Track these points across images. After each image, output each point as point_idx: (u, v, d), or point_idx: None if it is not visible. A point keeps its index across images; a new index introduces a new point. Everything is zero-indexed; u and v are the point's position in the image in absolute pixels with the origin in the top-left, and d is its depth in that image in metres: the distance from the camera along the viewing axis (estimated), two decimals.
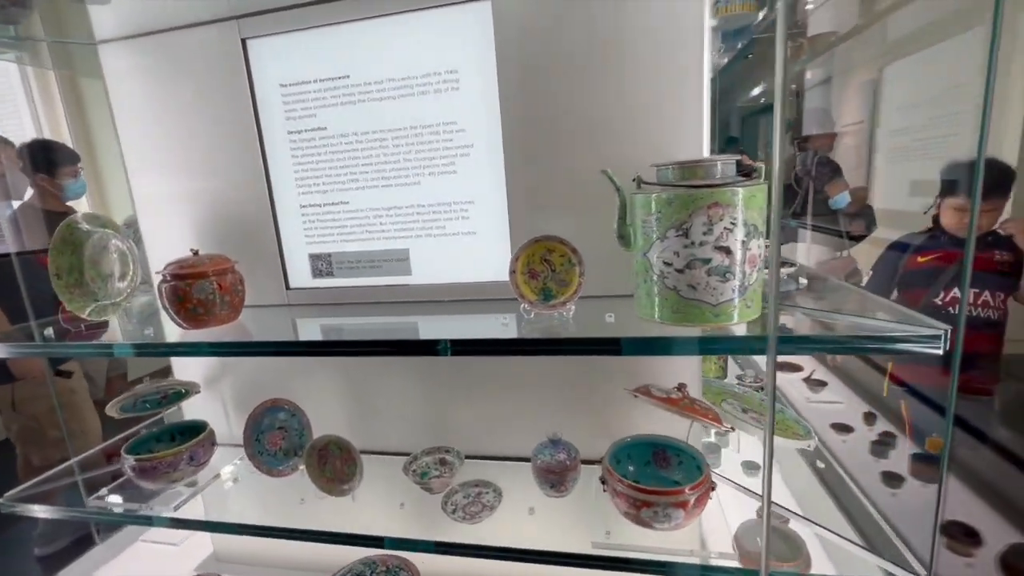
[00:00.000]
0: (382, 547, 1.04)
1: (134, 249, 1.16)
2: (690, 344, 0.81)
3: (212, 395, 1.44)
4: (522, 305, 0.98)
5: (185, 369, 1.45)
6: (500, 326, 1.05)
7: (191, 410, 1.45)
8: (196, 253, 1.11)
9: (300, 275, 1.29)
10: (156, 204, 1.32)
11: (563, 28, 1.02)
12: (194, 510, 1.21)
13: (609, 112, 1.04)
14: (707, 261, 0.79)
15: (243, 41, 1.17)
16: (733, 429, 1.08)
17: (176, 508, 1.17)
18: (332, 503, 1.14)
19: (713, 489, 0.94)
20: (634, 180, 0.89)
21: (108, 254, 1.20)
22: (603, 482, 0.98)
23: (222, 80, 1.20)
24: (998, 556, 1.22)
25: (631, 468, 1.06)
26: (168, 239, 1.32)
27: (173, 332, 1.09)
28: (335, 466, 1.17)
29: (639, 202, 0.84)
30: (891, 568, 0.85)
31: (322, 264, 1.27)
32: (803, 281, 1.07)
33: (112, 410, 1.27)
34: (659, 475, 1.07)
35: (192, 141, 1.26)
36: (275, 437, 1.27)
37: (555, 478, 1.05)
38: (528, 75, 1.05)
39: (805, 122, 3.09)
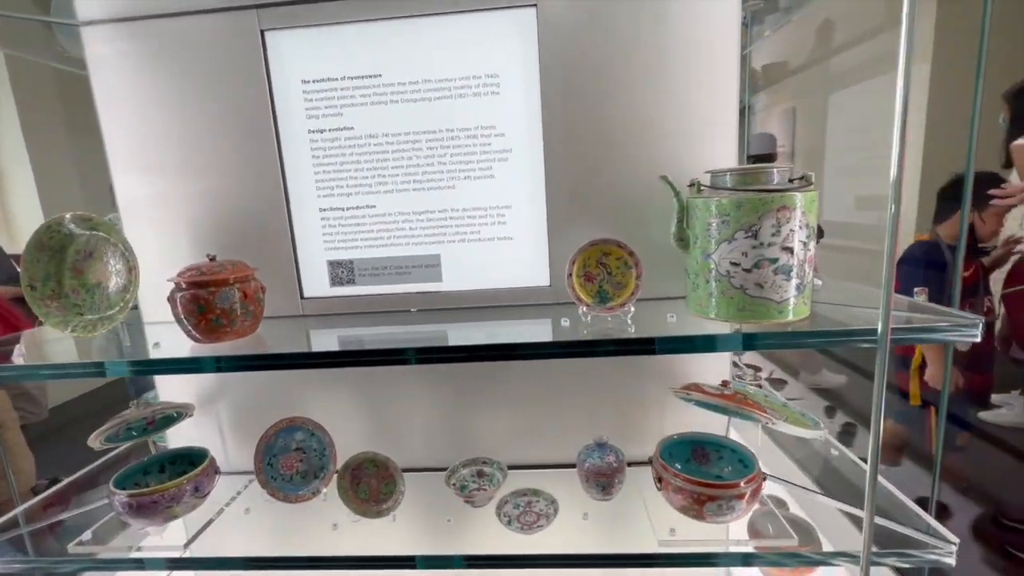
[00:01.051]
0: (414, 567, 0.98)
1: (134, 255, 1.03)
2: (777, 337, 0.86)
3: (203, 417, 1.30)
4: (580, 308, 0.98)
5: (171, 389, 1.30)
6: (533, 331, 1.05)
7: (175, 435, 1.30)
8: (213, 259, 1.01)
9: (316, 283, 1.20)
10: (145, 206, 1.18)
11: (605, 36, 1.05)
12: (200, 547, 1.08)
13: (647, 119, 1.08)
14: (774, 261, 0.84)
15: (262, 33, 1.09)
16: (774, 423, 1.13)
17: (187, 546, 1.03)
18: (369, 526, 1.06)
19: (764, 480, 0.98)
20: (691, 185, 0.93)
21: (97, 261, 1.05)
22: (659, 480, 1.00)
23: (235, 73, 1.11)
24: (971, 525, 1.38)
25: (677, 466, 1.09)
26: (159, 245, 1.19)
27: (177, 346, 0.98)
28: (370, 485, 1.09)
29: (704, 206, 0.88)
30: (923, 537, 0.93)
31: (342, 271, 1.19)
32: (818, 282, 1.16)
33: (95, 442, 1.11)
34: (701, 471, 1.11)
35: (193, 138, 1.15)
36: (291, 460, 1.17)
37: (605, 480, 1.06)
38: (570, 82, 1.07)
39: (752, 144, 3.38)
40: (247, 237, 1.18)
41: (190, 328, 0.96)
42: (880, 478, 1.11)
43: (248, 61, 1.10)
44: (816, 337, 0.87)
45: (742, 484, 0.93)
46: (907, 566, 0.88)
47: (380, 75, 1.11)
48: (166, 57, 1.12)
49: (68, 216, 1.01)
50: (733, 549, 0.92)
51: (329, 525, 1.10)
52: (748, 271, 0.85)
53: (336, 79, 1.11)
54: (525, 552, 0.95)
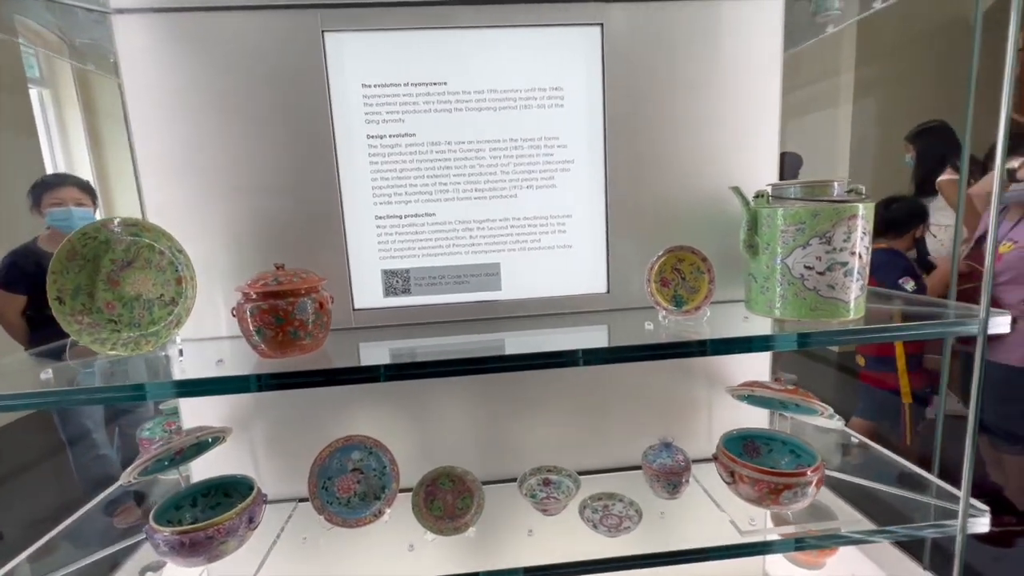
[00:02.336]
0: None
1: (187, 265, 0.94)
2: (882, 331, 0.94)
3: (234, 440, 1.19)
4: (660, 312, 1.03)
5: (192, 411, 1.18)
6: (593, 337, 1.08)
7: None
8: (281, 267, 0.94)
9: (369, 294, 1.15)
10: (178, 212, 1.08)
11: (664, 55, 1.12)
12: None
13: (698, 132, 1.16)
14: (844, 264, 0.93)
15: (322, 34, 1.05)
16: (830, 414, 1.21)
17: None
18: (448, 544, 1.02)
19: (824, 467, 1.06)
20: (759, 196, 1.01)
21: (137, 271, 0.95)
22: (731, 474, 1.05)
23: (291, 74, 1.06)
24: None
25: None
26: (193, 254, 1.09)
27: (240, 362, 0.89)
28: (445, 501, 1.05)
29: (778, 215, 0.96)
30: (945, 504, 1.05)
31: (397, 281, 1.16)
32: None
33: (128, 478, 0.98)
34: (755, 463, 1.17)
35: (235, 139, 1.07)
36: (347, 482, 1.10)
37: (675, 479, 1.09)
38: (631, 97, 1.13)
39: (784, 162, 3.74)
40: (296, 245, 1.11)
41: (261, 341, 0.89)
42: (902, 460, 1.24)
43: (306, 62, 1.05)
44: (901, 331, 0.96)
45: (809, 472, 1.01)
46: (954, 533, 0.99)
47: (446, 83, 1.10)
48: (210, 53, 1.04)
49: (110, 220, 0.91)
50: (821, 530, 0.98)
51: (394, 547, 1.05)
52: (821, 274, 0.94)
53: (399, 84, 1.09)
54: (595, 557, 0.96)
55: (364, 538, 1.06)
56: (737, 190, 1.01)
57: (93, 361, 0.96)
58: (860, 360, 2.23)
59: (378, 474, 1.11)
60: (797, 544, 0.98)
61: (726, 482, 1.07)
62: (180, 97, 1.05)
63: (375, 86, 1.09)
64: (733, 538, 0.99)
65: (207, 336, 1.11)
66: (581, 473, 1.25)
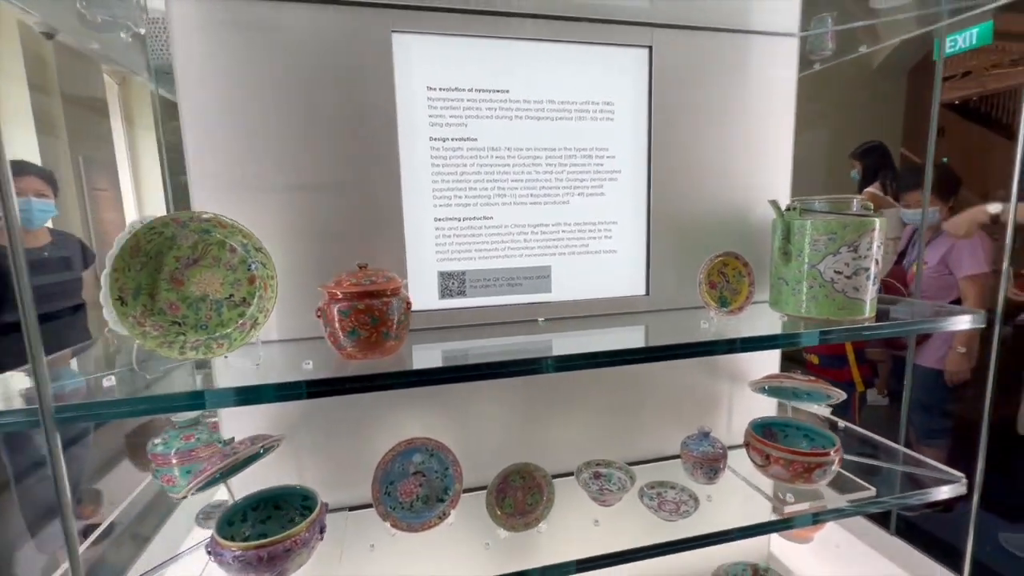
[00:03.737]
0: None
1: (264, 264, 0.90)
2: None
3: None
4: (710, 312, 1.12)
5: (235, 418, 1.11)
6: (637, 337, 1.16)
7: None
8: (364, 267, 0.93)
9: (425, 295, 1.15)
10: (227, 209, 1.02)
11: (702, 79, 1.23)
12: None
13: (730, 149, 1.28)
14: (867, 269, 1.09)
15: (390, 34, 1.05)
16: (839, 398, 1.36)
17: None
18: (519, 540, 1.04)
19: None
20: (793, 208, 1.15)
21: (204, 269, 0.89)
22: (766, 458, 1.17)
23: (357, 71, 1.04)
24: None
25: None
26: None
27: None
28: (515, 498, 1.07)
29: (812, 225, 1.10)
30: (943, 475, 1.24)
31: (453, 283, 1.17)
32: None
33: (189, 491, 0.91)
34: None
35: (296, 135, 1.03)
36: (409, 485, 1.09)
37: (714, 466, 1.19)
38: (674, 115, 1.23)
39: None
40: (357, 246, 1.08)
41: (352, 342, 0.87)
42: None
43: (374, 61, 1.04)
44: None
45: (832, 452, 1.15)
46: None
47: (508, 91, 1.13)
48: (274, 45, 1.00)
49: (180, 215, 0.85)
50: (848, 503, 1.12)
51: (464, 547, 1.05)
52: (849, 278, 1.08)
53: (463, 89, 1.11)
54: (649, 543, 1.03)
55: (433, 539, 1.05)
56: (774, 203, 1.13)
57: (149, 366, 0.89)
58: (813, 358, 2.51)
59: (440, 476, 1.10)
60: (838, 513, 1.12)
61: (760, 465, 1.19)
62: (238, 88, 0.99)
63: (440, 89, 1.10)
64: (762, 516, 1.10)
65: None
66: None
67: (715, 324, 1.11)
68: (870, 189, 2.81)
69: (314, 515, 0.94)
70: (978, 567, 1.42)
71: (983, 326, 1.14)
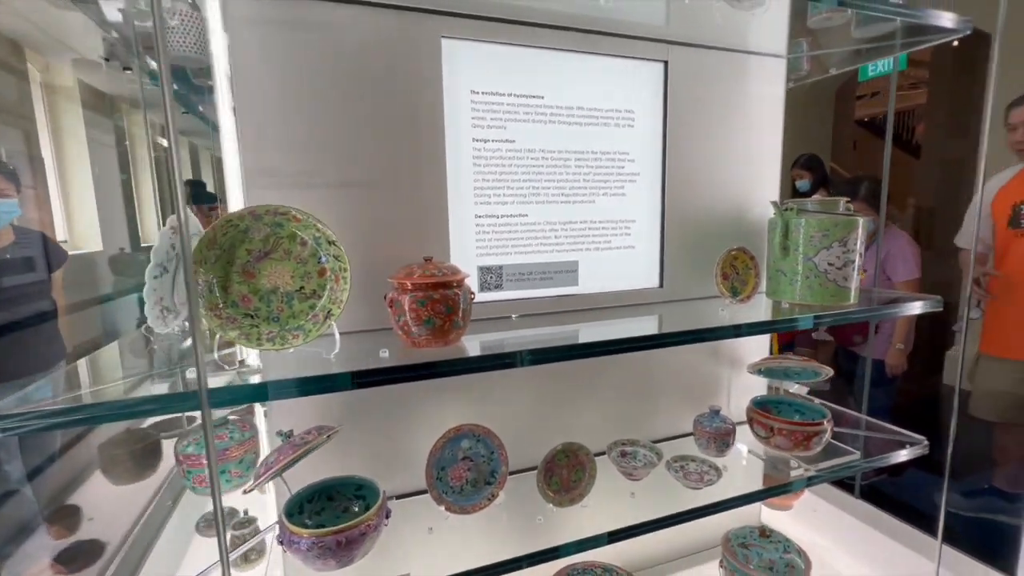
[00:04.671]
0: (557, 557, 1.09)
1: (336, 257, 0.92)
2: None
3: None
4: (725, 300, 1.26)
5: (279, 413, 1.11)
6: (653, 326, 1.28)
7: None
8: (430, 260, 0.98)
9: None
10: (278, 199, 1.03)
11: (710, 92, 1.37)
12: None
13: (727, 155, 1.43)
14: (853, 261, 1.26)
15: (440, 39, 1.10)
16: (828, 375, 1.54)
17: None
18: (565, 515, 1.12)
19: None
20: (790, 209, 1.30)
21: (275, 262, 0.90)
22: (770, 430, 1.32)
23: (407, 73, 1.08)
24: None
25: None
26: None
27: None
28: (561, 477, 1.14)
29: (809, 223, 1.25)
30: (906, 439, 1.44)
31: (492, 277, 1.23)
32: None
33: (255, 485, 0.91)
34: None
35: (347, 133, 1.06)
36: (459, 470, 1.13)
37: (726, 439, 1.33)
38: (685, 123, 1.36)
39: None
40: (403, 242, 1.12)
41: (427, 331, 0.92)
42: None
43: (424, 64, 1.09)
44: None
45: (825, 423, 1.31)
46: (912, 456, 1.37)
47: (543, 97, 1.21)
48: (324, 44, 1.02)
49: (255, 208, 0.86)
50: (841, 464, 1.29)
51: (516, 524, 1.12)
52: (839, 269, 1.25)
53: (503, 94, 1.18)
54: (678, 511, 1.15)
55: (485, 519, 1.11)
56: (776, 204, 1.29)
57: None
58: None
59: (486, 459, 1.16)
60: (835, 473, 1.28)
61: (763, 438, 1.33)
62: (292, 85, 1.01)
63: (482, 93, 1.16)
64: (751, 482, 1.24)
65: None
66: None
67: (729, 311, 1.25)
68: (816, 197, 3.13)
69: (381, 500, 0.97)
70: (924, 520, 1.65)
71: (940, 308, 1.34)
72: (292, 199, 1.02)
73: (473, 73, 1.15)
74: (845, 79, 4.91)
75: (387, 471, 1.19)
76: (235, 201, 1.24)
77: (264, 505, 1.51)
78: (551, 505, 1.11)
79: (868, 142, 5.42)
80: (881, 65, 3.50)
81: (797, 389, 1.58)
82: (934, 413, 3.05)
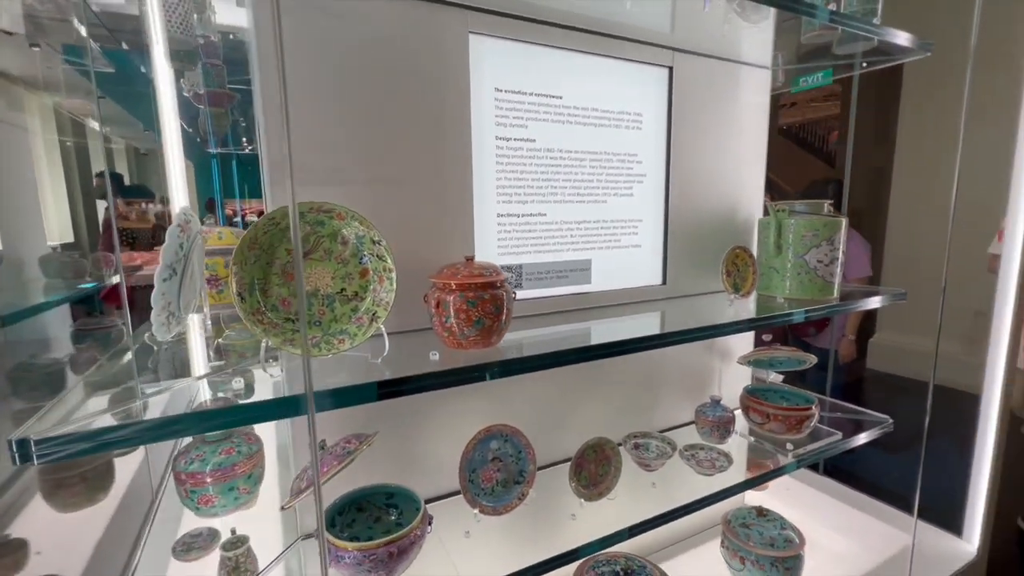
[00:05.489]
0: (577, 558, 1.13)
1: (381, 256, 0.88)
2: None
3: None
4: (730, 296, 1.33)
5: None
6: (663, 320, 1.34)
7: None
8: (471, 259, 0.96)
9: None
10: (304, 196, 0.97)
11: (708, 98, 1.44)
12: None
13: (722, 159, 1.51)
14: (838, 259, 1.38)
15: (468, 34, 1.08)
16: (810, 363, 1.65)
17: None
18: (594, 508, 1.14)
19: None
20: (782, 211, 1.40)
21: (315, 262, 0.85)
22: (766, 416, 1.41)
23: (435, 68, 1.05)
24: None
25: None
26: None
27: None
28: (590, 471, 1.16)
29: (803, 224, 1.36)
30: (871, 418, 1.60)
31: (512, 276, 1.22)
32: None
33: (294, 502, 0.85)
34: None
35: (373, 128, 1.02)
36: (489, 472, 1.12)
37: (728, 427, 1.41)
38: (689, 126, 1.42)
39: None
40: (429, 240, 1.09)
41: (475, 332, 0.90)
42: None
43: (451, 60, 1.07)
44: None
45: (813, 408, 1.43)
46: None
47: (561, 97, 1.23)
48: (352, 35, 0.98)
49: (299, 205, 0.81)
50: (827, 444, 1.40)
51: (547, 521, 1.12)
52: (827, 266, 1.37)
53: (525, 93, 1.18)
54: (693, 498, 1.21)
55: (520, 518, 1.10)
56: (770, 205, 1.38)
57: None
58: None
59: (515, 459, 1.16)
60: (822, 453, 1.39)
61: (759, 423, 1.43)
62: (319, 77, 0.95)
63: (505, 91, 1.15)
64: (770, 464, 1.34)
65: None
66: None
67: (735, 306, 1.32)
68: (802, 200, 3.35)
69: (423, 507, 0.94)
70: (871, 489, 1.84)
71: (904, 300, 1.50)
72: (317, 195, 0.96)
73: (497, 71, 1.14)
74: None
75: (405, 475, 1.16)
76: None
77: (254, 521, 1.41)
78: (582, 500, 1.13)
79: (784, 148, 5.86)
80: (812, 78, 3.83)
81: (773, 378, 1.70)
82: (868, 394, 3.39)
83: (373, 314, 0.88)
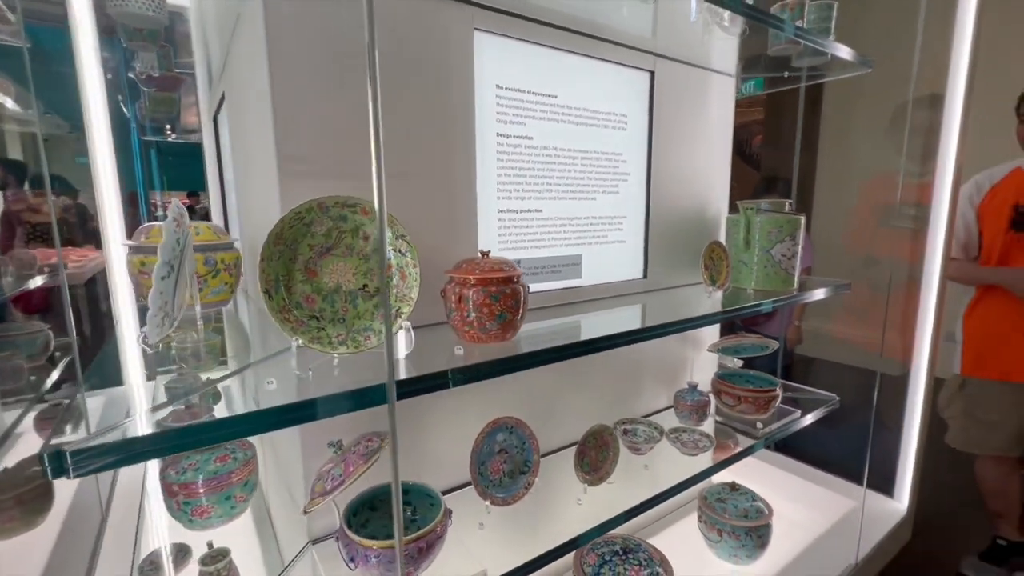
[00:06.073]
0: (577, 546, 1.20)
1: (403, 251, 0.87)
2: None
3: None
4: (708, 288, 1.43)
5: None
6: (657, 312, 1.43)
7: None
8: (487, 254, 0.97)
9: None
10: (313, 190, 0.94)
11: (683, 102, 1.54)
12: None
13: (693, 160, 1.61)
14: (797, 253, 1.52)
15: (473, 31, 1.09)
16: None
17: None
18: (596, 492, 1.19)
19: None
20: (751, 209, 1.52)
21: (336, 259, 0.83)
22: (738, 399, 1.53)
23: (441, 62, 1.05)
24: None
25: None
26: None
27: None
28: (590, 457, 1.20)
29: (769, 221, 1.48)
30: (820, 397, 1.77)
31: None
32: None
33: (320, 504, 0.83)
34: None
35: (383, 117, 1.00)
36: (496, 463, 1.14)
37: (704, 410, 1.51)
38: (666, 128, 1.50)
39: None
40: (433, 235, 1.09)
41: (500, 325, 0.91)
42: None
43: (457, 55, 1.07)
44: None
45: (777, 389, 1.56)
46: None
47: (556, 96, 1.26)
48: (358, 29, 0.95)
49: (326, 199, 0.79)
50: (789, 420, 1.54)
51: (549, 509, 1.16)
52: (789, 259, 1.50)
53: (524, 91, 1.20)
54: (681, 479, 1.30)
55: (526, 507, 1.13)
56: (740, 204, 1.49)
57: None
58: None
59: (519, 450, 1.18)
60: (785, 429, 1.53)
61: (731, 406, 1.54)
62: (329, 67, 0.93)
63: (506, 88, 1.17)
64: (744, 443, 1.46)
65: None
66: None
67: (712, 298, 1.42)
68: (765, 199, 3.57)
69: (444, 507, 0.95)
70: (813, 460, 2.04)
71: (849, 290, 1.67)
72: (325, 188, 0.94)
73: (499, 68, 1.15)
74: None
75: (406, 472, 1.15)
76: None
77: (228, 536, 1.34)
78: (585, 486, 1.17)
79: None
80: (745, 88, 4.12)
81: (734, 364, 1.84)
82: (801, 378, 3.73)
83: (396, 310, 0.87)
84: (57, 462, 0.53)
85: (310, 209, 0.77)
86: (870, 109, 3.75)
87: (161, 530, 1.59)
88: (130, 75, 1.74)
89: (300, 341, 0.75)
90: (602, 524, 1.08)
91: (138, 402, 0.86)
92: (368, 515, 1.01)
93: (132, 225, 1.60)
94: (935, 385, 2.01)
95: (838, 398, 1.74)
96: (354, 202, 0.81)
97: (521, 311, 0.94)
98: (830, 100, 4.39)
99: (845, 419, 1.76)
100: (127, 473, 1.94)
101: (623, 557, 1.21)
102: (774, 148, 5.24)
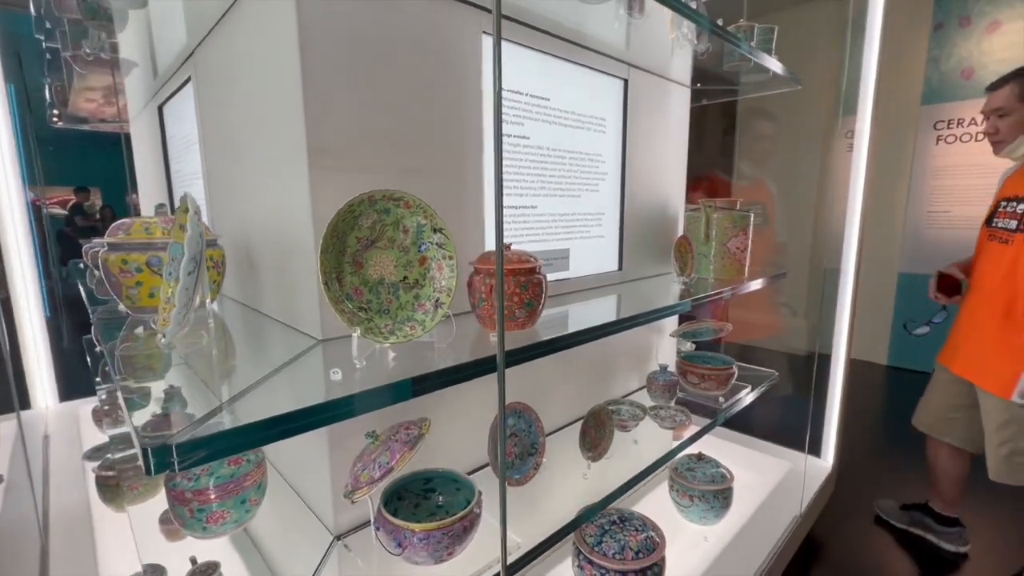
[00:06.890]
0: (594, 514, 1.32)
1: (440, 245, 0.90)
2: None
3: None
4: (678, 278, 1.58)
5: None
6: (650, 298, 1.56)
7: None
8: (509, 247, 1.03)
9: None
10: (338, 184, 0.95)
11: (653, 109, 1.68)
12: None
13: (658, 163, 1.77)
14: (748, 247, 1.72)
15: (481, 34, 1.13)
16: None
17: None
18: (594, 469, 1.28)
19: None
20: (710, 207, 1.70)
21: (379, 251, 0.85)
22: (701, 377, 1.70)
23: (456, 63, 1.09)
24: None
25: None
26: None
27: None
28: (591, 437, 1.29)
29: (724, 218, 1.66)
30: (762, 373, 2.01)
31: None
32: None
33: (366, 494, 0.84)
34: None
35: (402, 111, 1.03)
36: (509, 447, 1.20)
37: (675, 389, 1.67)
38: (639, 131, 1.64)
39: None
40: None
41: (528, 313, 0.98)
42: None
43: (469, 57, 1.11)
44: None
45: (734, 367, 1.76)
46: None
47: (549, 99, 1.34)
48: (387, 22, 0.98)
49: (376, 192, 0.81)
50: (742, 395, 1.74)
51: (554, 488, 1.24)
52: (743, 252, 1.70)
53: (522, 93, 1.27)
54: (664, 452, 1.45)
55: (536, 488, 1.20)
56: (703, 203, 1.66)
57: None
58: None
59: (527, 433, 1.25)
60: (740, 402, 1.72)
61: (695, 384, 1.72)
62: (358, 62, 0.94)
63: (507, 91, 1.23)
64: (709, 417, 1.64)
65: None
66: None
67: (681, 286, 1.58)
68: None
69: (478, 490, 0.99)
70: (750, 430, 2.30)
71: (785, 278, 1.92)
72: (353, 182, 0.95)
73: (503, 70, 1.20)
74: None
75: (425, 457, 1.18)
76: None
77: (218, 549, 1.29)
78: (589, 463, 1.27)
79: None
80: None
81: (688, 348, 2.03)
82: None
83: (436, 300, 0.90)
84: (162, 456, 0.52)
85: (361, 202, 0.79)
86: (775, 121, 4.23)
87: (126, 554, 1.47)
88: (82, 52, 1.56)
89: (359, 331, 0.76)
90: (610, 494, 1.17)
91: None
92: (397, 504, 1.03)
93: None
94: (851, 365, 2.34)
95: (777, 373, 1.98)
96: (399, 196, 0.84)
97: (543, 299, 1.01)
98: (741, 112, 4.87)
99: (776, 393, 2.01)
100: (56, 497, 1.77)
101: (620, 525, 1.32)
102: (697, 152, 5.65)
